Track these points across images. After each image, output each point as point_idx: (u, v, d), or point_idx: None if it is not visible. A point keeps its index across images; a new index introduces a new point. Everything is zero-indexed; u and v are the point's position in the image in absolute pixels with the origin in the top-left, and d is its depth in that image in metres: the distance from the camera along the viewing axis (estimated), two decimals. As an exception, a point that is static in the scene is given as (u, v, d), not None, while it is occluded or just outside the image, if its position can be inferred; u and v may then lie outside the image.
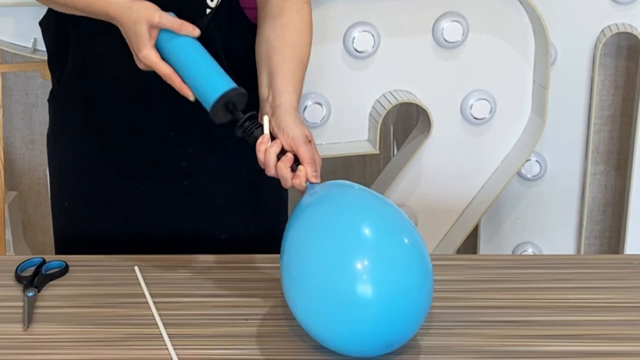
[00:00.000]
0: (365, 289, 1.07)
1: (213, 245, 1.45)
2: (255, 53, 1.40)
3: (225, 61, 1.39)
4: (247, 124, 1.25)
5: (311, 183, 1.20)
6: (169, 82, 1.28)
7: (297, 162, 1.22)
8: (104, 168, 1.46)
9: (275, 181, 1.26)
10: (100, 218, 1.49)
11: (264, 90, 1.34)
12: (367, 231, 1.11)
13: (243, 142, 1.31)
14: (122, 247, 1.42)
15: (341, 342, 1.11)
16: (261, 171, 1.27)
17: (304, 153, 1.22)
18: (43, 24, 1.46)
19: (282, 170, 1.22)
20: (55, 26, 1.42)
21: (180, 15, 1.30)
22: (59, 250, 1.54)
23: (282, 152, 1.23)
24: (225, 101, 1.25)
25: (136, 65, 1.31)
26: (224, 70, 1.29)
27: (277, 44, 1.36)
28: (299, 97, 1.34)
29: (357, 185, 1.20)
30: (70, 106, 1.46)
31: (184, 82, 1.27)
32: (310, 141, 1.25)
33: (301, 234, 1.14)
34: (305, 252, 1.12)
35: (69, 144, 1.48)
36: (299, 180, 1.20)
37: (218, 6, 1.37)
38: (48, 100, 1.51)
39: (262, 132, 1.25)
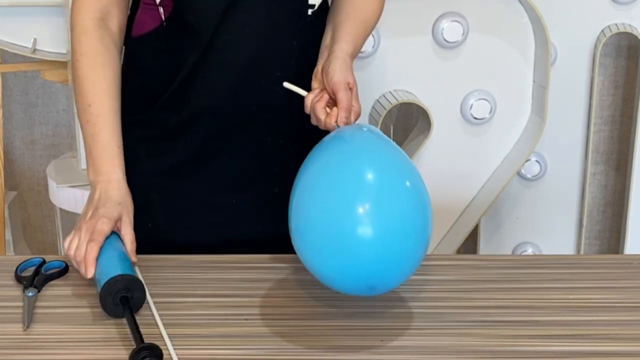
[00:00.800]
0: (363, 229, 1.10)
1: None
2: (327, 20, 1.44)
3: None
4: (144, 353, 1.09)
5: (339, 126, 1.26)
6: (86, 265, 1.26)
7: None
8: (195, 183, 1.43)
9: None
10: (187, 232, 1.45)
11: (327, 42, 1.39)
12: (368, 175, 1.16)
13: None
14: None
15: (334, 277, 1.14)
16: None
17: (340, 98, 1.28)
18: None
19: (316, 110, 1.29)
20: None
21: (282, 15, 1.34)
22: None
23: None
24: (109, 287, 1.18)
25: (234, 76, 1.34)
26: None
27: (344, 7, 1.41)
28: (356, 48, 1.38)
29: (366, 127, 1.26)
30: (166, 118, 1.42)
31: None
32: (351, 89, 1.29)
33: (309, 172, 1.19)
34: (312, 188, 1.17)
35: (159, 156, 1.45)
36: (329, 120, 1.27)
37: (318, 10, 1.39)
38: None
39: None
